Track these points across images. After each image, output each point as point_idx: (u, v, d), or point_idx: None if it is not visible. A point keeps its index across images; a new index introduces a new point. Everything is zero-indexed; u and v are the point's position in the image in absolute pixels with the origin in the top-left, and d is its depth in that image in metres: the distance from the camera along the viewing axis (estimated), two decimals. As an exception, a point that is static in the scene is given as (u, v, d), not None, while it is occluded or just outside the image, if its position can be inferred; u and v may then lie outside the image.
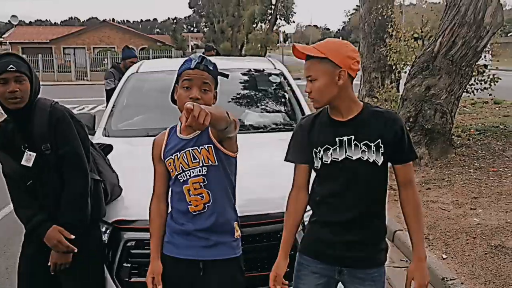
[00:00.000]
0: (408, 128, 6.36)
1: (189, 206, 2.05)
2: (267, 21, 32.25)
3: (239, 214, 2.19)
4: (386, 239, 2.07)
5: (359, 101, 1.93)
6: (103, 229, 2.46)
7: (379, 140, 1.85)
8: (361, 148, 1.86)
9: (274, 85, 4.37)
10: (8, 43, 40.20)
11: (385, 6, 8.90)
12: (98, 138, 3.52)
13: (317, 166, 1.94)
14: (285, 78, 4.33)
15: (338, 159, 1.89)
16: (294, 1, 29.97)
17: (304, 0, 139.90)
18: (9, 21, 36.68)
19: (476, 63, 6.64)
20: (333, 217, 1.93)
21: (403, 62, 7.81)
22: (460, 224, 4.43)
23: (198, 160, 2.03)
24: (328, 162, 1.90)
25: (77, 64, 31.72)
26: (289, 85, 4.25)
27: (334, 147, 1.89)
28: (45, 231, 2.20)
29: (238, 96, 4.20)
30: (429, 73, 6.39)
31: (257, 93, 4.33)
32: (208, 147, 2.03)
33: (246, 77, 4.43)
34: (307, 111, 3.78)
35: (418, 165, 6.23)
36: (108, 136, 3.53)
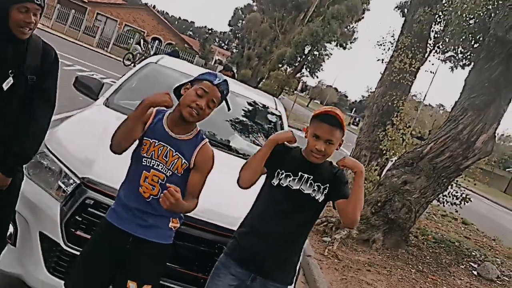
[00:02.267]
0: (373, 211, 6.70)
1: (139, 188, 2.22)
2: (293, 66, 32.87)
3: (197, 218, 2.47)
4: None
5: None
6: (71, 181, 2.70)
7: (328, 184, 2.33)
8: (313, 187, 2.30)
9: (271, 123, 4.68)
10: (48, -12, 40.55)
11: (399, 96, 9.32)
12: (98, 104, 3.79)
13: (274, 183, 2.33)
14: (280, 119, 4.66)
15: (292, 187, 2.31)
16: (325, 60, 30.58)
17: (334, 62, 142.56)
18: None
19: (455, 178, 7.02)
20: (266, 229, 2.31)
21: (393, 151, 8.18)
22: (382, 311, 4.68)
23: (167, 160, 2.21)
24: (284, 185, 2.31)
25: (103, 33, 32.07)
26: (282, 127, 4.56)
27: (294, 177, 2.30)
28: None
29: (236, 120, 4.48)
30: (411, 170, 6.76)
31: (252, 124, 4.63)
32: (184, 162, 2.22)
33: (248, 107, 4.74)
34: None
35: (369, 247, 6.51)
36: (108, 107, 3.76)
